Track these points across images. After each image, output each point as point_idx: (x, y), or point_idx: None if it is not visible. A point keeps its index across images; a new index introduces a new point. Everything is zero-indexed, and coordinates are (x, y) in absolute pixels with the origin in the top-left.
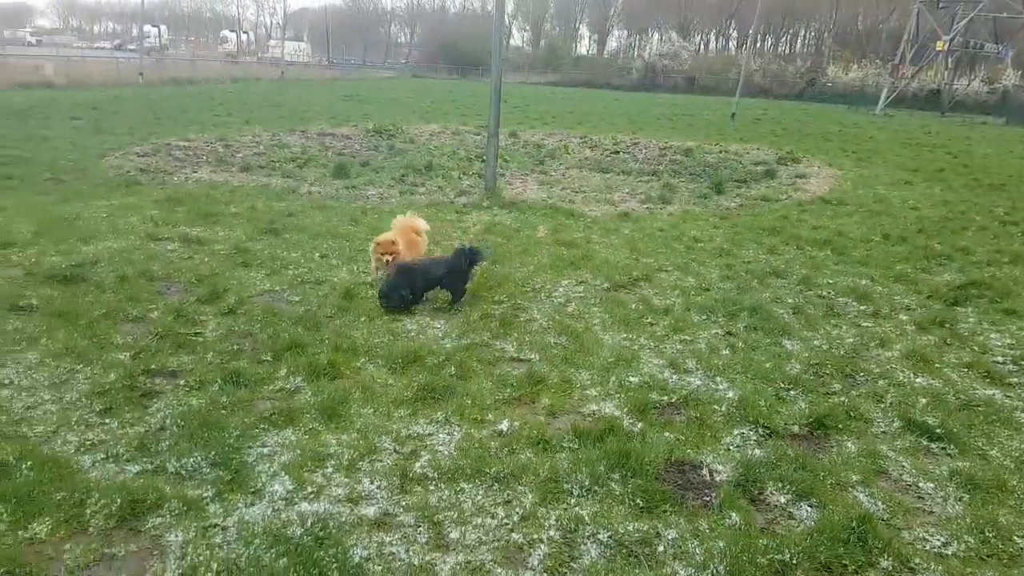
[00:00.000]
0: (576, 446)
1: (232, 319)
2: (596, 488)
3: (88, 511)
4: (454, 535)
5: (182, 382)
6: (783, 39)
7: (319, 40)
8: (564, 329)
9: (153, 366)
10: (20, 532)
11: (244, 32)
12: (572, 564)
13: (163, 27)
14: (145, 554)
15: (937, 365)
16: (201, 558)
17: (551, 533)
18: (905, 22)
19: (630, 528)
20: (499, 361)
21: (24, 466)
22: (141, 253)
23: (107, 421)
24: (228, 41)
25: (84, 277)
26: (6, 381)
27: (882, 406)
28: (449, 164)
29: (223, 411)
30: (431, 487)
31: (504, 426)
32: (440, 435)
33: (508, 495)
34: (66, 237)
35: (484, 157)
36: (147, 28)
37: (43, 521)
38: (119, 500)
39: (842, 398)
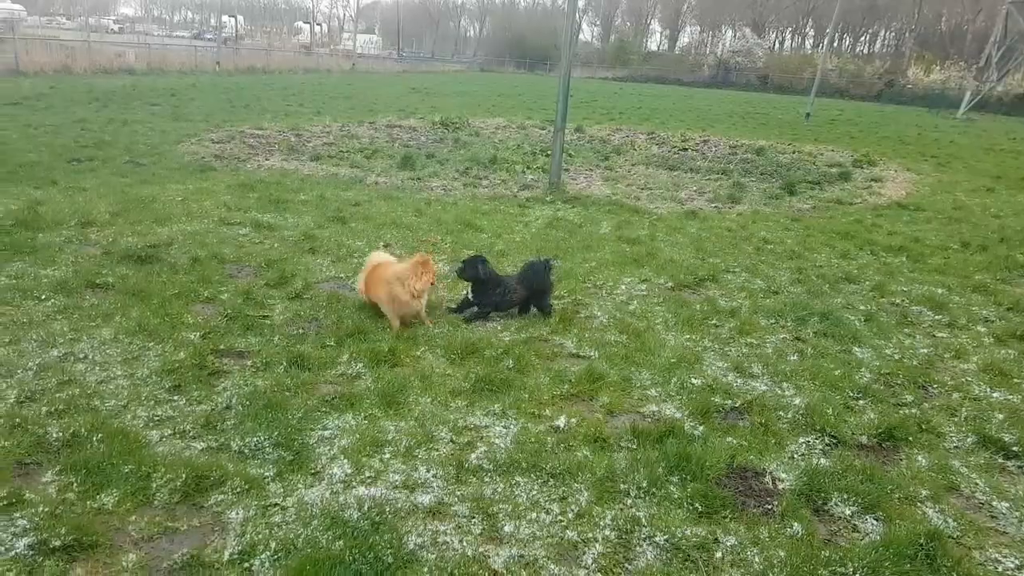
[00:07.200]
0: (634, 446)
1: (298, 303)
2: (654, 490)
3: (154, 485)
4: (508, 528)
5: (249, 363)
6: (862, 38)
7: (390, 33)
8: (625, 327)
9: (222, 346)
10: (89, 502)
11: (318, 24)
12: (627, 565)
13: (240, 17)
14: (207, 530)
15: (1016, 380)
16: (260, 536)
17: (606, 532)
18: (992, 23)
19: (688, 532)
20: (557, 356)
21: (95, 438)
22: (213, 236)
23: (175, 398)
24: (302, 32)
25: (158, 258)
26: (81, 355)
27: (956, 420)
28: (513, 158)
29: (287, 393)
30: (486, 479)
31: (561, 422)
32: (496, 427)
33: (563, 492)
34: (142, 219)
35: (549, 152)
36: (224, 18)
37: (111, 492)
38: (184, 476)
39: (913, 410)
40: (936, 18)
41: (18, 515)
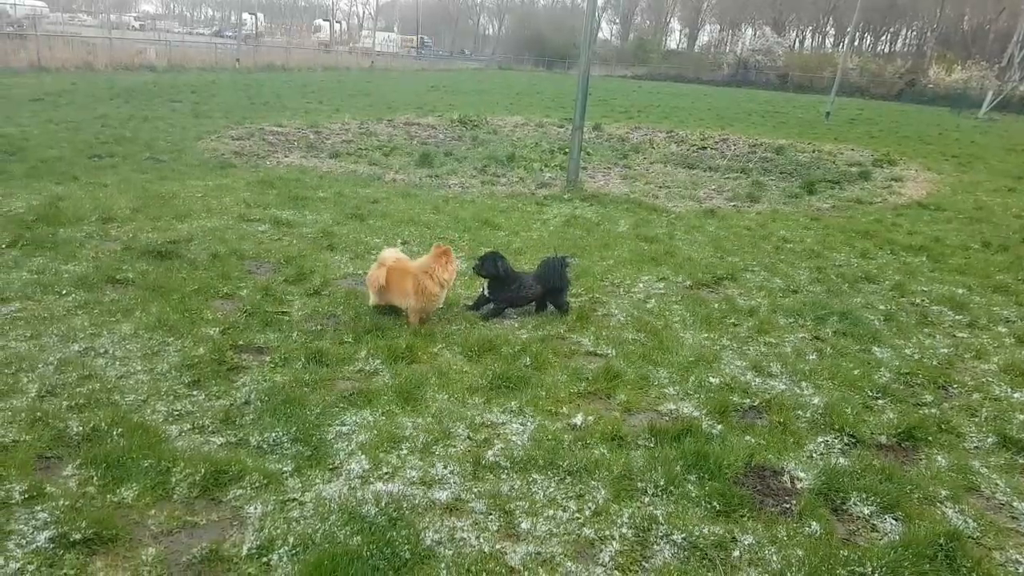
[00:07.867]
0: (652, 444)
1: (317, 300)
2: (671, 488)
3: (173, 479)
4: (525, 525)
5: (267, 359)
6: (883, 38)
7: (409, 31)
8: (643, 326)
9: (241, 342)
10: (109, 496)
11: (337, 21)
12: (644, 563)
13: (260, 15)
14: (225, 524)
15: None
16: (278, 531)
17: (623, 530)
18: (1015, 22)
19: (705, 531)
20: (575, 354)
21: (115, 432)
22: (233, 233)
23: (195, 393)
24: (321, 30)
25: (178, 254)
26: (102, 350)
27: (976, 420)
28: (531, 156)
29: (305, 388)
30: (503, 476)
31: (578, 420)
32: (513, 425)
33: (580, 489)
34: (163, 215)
35: (567, 150)
36: (244, 16)
37: (131, 486)
38: (203, 470)
39: (933, 410)
40: (958, 17)
41: (39, 508)
